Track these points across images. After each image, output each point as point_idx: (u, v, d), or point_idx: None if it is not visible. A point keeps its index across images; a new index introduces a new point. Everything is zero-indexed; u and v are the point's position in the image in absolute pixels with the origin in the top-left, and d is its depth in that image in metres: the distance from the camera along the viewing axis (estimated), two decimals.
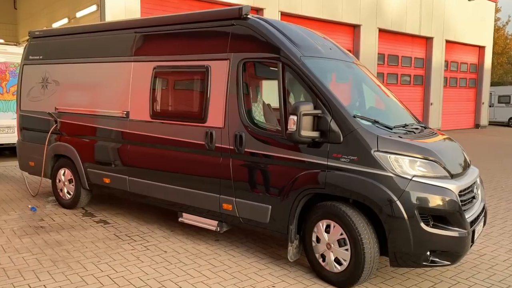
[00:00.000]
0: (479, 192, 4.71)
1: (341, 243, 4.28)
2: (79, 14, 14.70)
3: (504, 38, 43.79)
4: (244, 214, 4.92)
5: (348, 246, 4.23)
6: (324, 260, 4.45)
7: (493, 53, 33.54)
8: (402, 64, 21.86)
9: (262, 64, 5.14)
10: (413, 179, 4.03)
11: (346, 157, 4.21)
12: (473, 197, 4.49)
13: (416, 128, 4.88)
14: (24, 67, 7.57)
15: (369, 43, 19.69)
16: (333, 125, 4.26)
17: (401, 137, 4.36)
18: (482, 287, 4.46)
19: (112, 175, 6.19)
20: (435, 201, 4.01)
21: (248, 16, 4.98)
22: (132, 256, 5.07)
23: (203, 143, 5.12)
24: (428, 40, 22.74)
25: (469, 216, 4.23)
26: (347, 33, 19.34)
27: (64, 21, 15.98)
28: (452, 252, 4.06)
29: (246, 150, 4.82)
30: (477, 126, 26.29)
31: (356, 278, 4.21)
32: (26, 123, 7.50)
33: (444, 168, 4.20)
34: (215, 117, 5.06)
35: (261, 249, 5.36)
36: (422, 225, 3.95)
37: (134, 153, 5.91)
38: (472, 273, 4.79)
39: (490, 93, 28.36)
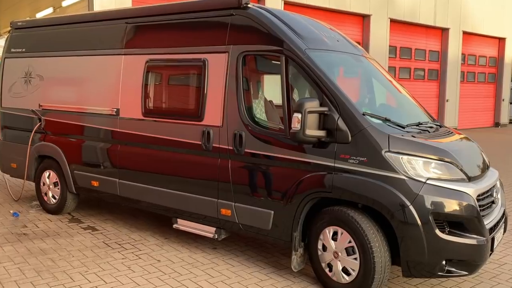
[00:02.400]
0: (499, 196, 4.71)
1: (349, 251, 4.29)
2: (65, 3, 14.71)
3: None
4: (244, 220, 4.93)
5: (357, 255, 4.23)
6: (331, 270, 4.45)
7: None
8: (416, 57, 21.84)
9: (263, 58, 5.15)
10: (428, 182, 4.03)
11: (354, 158, 4.21)
12: (493, 202, 4.49)
13: (431, 127, 4.89)
14: (6, 61, 7.58)
15: (380, 34, 19.68)
16: (341, 124, 4.27)
17: (414, 137, 4.37)
18: None
19: (101, 177, 6.20)
20: (451, 206, 4.02)
21: (249, 5, 4.99)
22: (122, 265, 5.08)
23: (200, 143, 5.13)
24: (443, 32, 22.72)
25: (488, 222, 4.23)
26: (356, 24, 19.33)
27: (49, 10, 15.99)
28: (469, 261, 4.07)
29: (246, 150, 4.83)
30: (496, 124, 26.27)
31: None
32: (8, 122, 7.51)
33: (461, 170, 4.21)
34: (213, 114, 5.06)
35: (263, 258, 5.36)
36: (437, 232, 3.96)
37: (125, 154, 5.91)
38: (491, 284, 4.79)
39: (511, 89, 28.32)
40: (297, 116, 4.23)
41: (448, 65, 22.77)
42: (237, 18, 5.00)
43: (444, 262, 4.02)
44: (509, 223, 6.23)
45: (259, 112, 5.09)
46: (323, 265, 4.50)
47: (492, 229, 4.27)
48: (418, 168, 4.09)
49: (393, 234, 4.11)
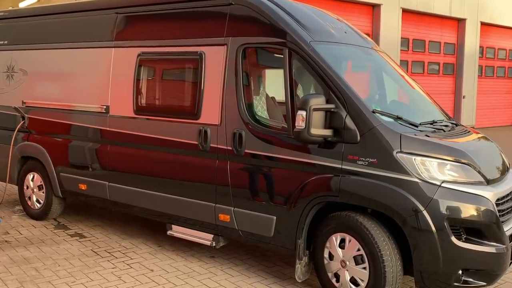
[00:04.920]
0: None
1: (358, 260, 4.29)
2: None
3: None
4: (244, 227, 4.93)
5: (366, 264, 4.23)
6: (338, 281, 4.45)
7: None
8: (430, 50, 21.83)
9: (265, 51, 5.15)
10: (443, 185, 4.03)
11: (363, 159, 4.22)
12: None
13: (446, 126, 4.89)
14: None
15: (391, 25, 19.67)
16: (349, 122, 4.27)
17: (428, 136, 4.37)
18: None
19: (89, 180, 6.20)
20: (468, 211, 4.02)
21: None
22: (112, 275, 5.09)
23: (196, 143, 5.14)
24: (460, 22, 22.71)
25: (508, 229, 4.23)
26: (365, 14, 19.33)
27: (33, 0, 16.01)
28: (488, 271, 4.07)
29: (246, 151, 4.83)
30: None
31: None
32: None
33: (479, 172, 4.21)
34: (210, 112, 5.07)
35: (264, 268, 5.37)
36: (453, 239, 3.96)
37: (115, 154, 5.92)
38: None
39: None
40: (301, 113, 4.23)
41: (465, 58, 22.73)
42: (236, 7, 5.00)
43: (460, 272, 4.02)
44: None
45: (260, 110, 5.09)
46: (330, 275, 4.50)
47: None
48: (433, 170, 4.09)
49: (405, 241, 4.11)
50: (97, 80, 6.12)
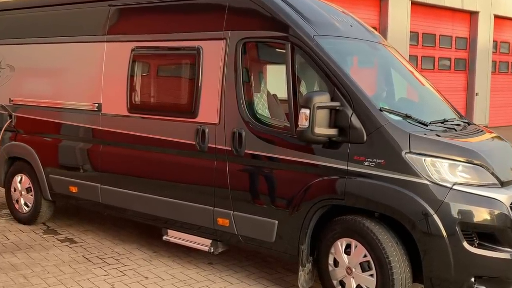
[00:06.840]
0: None
1: (364, 267, 4.29)
2: None
3: None
4: (244, 231, 4.94)
5: (373, 271, 4.23)
6: None
7: None
8: (440, 45, 21.82)
9: (266, 45, 5.16)
10: (454, 187, 4.04)
11: (370, 160, 4.22)
12: None
13: (458, 125, 4.89)
14: None
15: (399, 19, 19.67)
16: (355, 121, 4.28)
17: (439, 136, 4.37)
18: None
19: (80, 182, 6.21)
20: (481, 215, 4.03)
21: None
22: (105, 283, 5.09)
23: (193, 143, 5.14)
24: (472, 16, 22.71)
25: None
26: (372, 7, 19.33)
27: None
28: (502, 278, 4.08)
29: (246, 151, 4.83)
30: None
31: None
32: None
33: (492, 173, 4.21)
34: (208, 110, 5.07)
35: (266, 275, 5.37)
36: (465, 244, 3.97)
37: (108, 155, 5.93)
38: None
39: None
40: (304, 112, 4.23)
41: (478, 53, 22.71)
42: (236, 0, 5.01)
43: (473, 280, 4.02)
44: None
45: (261, 108, 5.10)
46: (335, 282, 4.50)
47: None
48: (443, 171, 4.10)
49: (414, 247, 4.12)
50: (89, 77, 6.13)
